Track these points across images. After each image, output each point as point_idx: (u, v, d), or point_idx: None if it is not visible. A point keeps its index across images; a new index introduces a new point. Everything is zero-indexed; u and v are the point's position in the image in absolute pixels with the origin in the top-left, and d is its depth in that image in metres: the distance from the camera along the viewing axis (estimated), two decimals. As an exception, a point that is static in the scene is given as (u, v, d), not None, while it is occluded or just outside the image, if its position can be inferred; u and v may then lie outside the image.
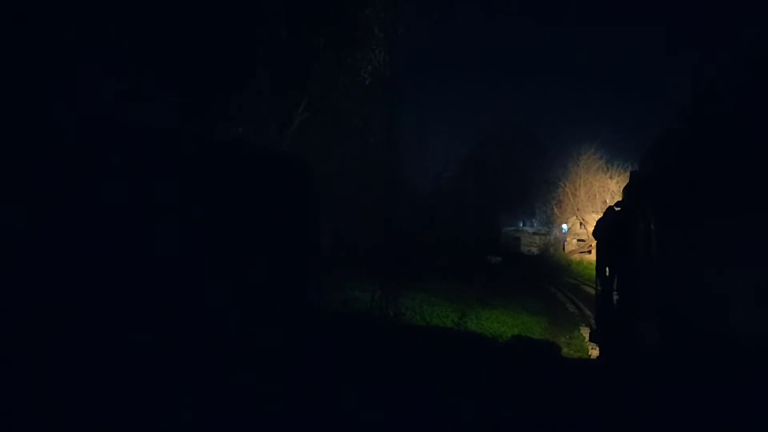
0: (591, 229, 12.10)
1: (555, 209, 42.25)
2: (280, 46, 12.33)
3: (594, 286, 11.68)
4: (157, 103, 8.89)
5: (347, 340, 7.53)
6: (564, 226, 42.42)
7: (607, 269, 9.49)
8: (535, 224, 51.30)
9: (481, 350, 9.05)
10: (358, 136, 18.28)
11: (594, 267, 10.86)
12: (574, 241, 41.78)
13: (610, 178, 37.88)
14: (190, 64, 9.36)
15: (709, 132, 6.89)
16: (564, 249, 39.98)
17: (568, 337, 12.33)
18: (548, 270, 29.63)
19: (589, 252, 33.74)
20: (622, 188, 12.27)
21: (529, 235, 50.41)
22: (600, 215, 10.90)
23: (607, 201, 32.59)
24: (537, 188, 44.39)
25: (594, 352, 10.84)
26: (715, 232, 6.19)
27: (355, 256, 17.19)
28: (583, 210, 39.13)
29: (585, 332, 12.55)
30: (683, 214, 7.49)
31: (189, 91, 9.42)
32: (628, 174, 13.09)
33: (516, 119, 59.16)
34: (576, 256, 37.55)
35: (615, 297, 9.31)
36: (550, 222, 45.32)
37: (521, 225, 53.34)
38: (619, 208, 9.79)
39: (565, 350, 10.76)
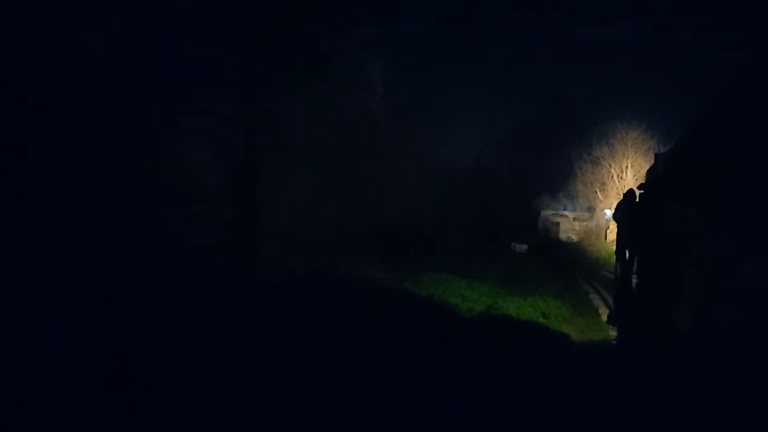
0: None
1: (598, 192, 38.20)
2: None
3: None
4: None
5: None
6: (607, 211, 38.24)
7: (626, 252, 9.34)
8: (577, 208, 47.07)
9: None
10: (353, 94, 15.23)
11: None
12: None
13: (664, 160, 33.62)
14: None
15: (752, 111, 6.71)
16: (606, 238, 35.96)
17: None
18: (584, 261, 25.92)
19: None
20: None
21: (569, 221, 46.37)
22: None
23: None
24: (581, 168, 40.36)
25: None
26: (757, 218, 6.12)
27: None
28: (631, 194, 34.99)
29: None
30: (720, 198, 7.40)
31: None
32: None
33: (562, 94, 54.91)
34: (619, 246, 33.62)
35: (634, 280, 9.34)
36: (592, 207, 41.27)
37: (563, 209, 49.12)
38: (641, 191, 9.40)
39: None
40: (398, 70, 22.26)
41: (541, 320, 11.63)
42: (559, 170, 46.13)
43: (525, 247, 25.45)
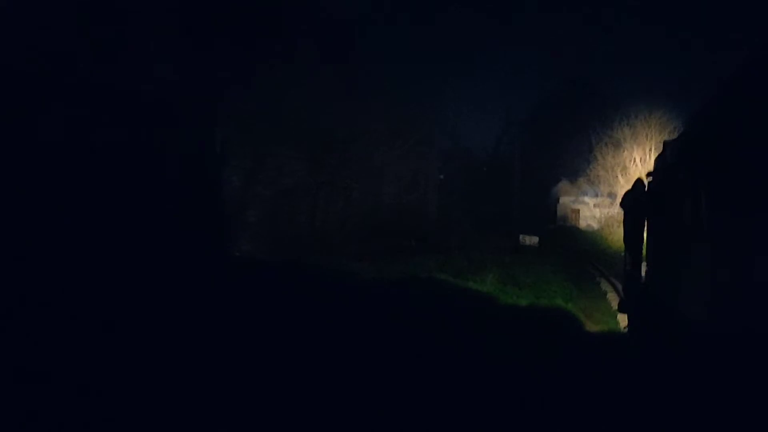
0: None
1: (619, 177, 35.78)
2: None
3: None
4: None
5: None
6: (630, 197, 35.81)
7: (635, 240, 9.41)
8: (598, 194, 44.56)
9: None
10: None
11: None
12: (641, 215, 35.21)
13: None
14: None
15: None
16: (628, 225, 33.63)
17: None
18: (604, 252, 23.70)
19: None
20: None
21: (589, 207, 43.94)
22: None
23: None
24: (602, 152, 38.04)
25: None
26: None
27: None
28: (655, 178, 32.48)
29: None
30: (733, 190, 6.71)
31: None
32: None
33: (583, 77, 52.38)
34: (642, 234, 31.23)
35: (644, 267, 9.28)
36: (613, 192, 38.81)
37: (585, 195, 46.62)
38: (650, 178, 9.40)
39: None
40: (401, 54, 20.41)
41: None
42: (579, 155, 43.90)
43: (536, 239, 22.94)
